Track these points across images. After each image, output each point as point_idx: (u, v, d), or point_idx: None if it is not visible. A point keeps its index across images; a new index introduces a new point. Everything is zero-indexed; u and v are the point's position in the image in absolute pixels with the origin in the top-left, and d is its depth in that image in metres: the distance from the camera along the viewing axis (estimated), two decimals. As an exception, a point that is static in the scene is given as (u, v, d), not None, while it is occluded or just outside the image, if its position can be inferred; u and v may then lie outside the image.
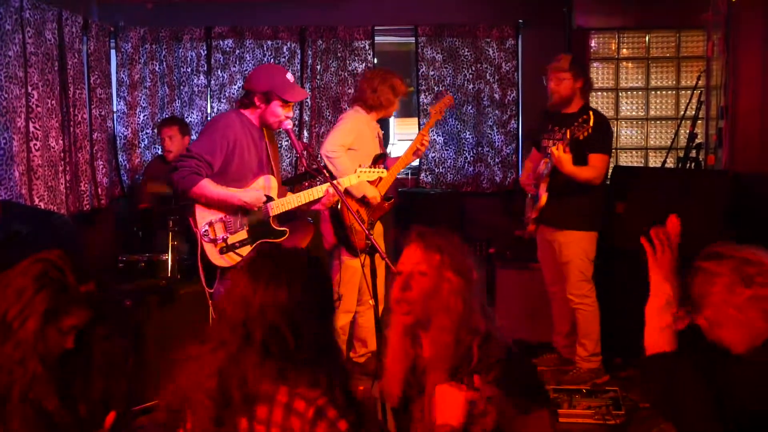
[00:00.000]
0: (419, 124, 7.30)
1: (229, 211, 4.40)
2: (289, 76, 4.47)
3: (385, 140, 5.82)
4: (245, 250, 4.40)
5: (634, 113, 7.42)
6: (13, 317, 2.33)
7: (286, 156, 7.17)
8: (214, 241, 4.36)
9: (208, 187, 4.30)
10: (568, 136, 5.07)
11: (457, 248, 2.49)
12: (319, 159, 5.17)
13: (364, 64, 7.19)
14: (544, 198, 5.30)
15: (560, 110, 5.38)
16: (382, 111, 5.55)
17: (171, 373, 2.19)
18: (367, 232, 4.19)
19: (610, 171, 5.80)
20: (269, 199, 4.51)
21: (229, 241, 4.37)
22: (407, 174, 7.42)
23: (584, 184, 5.19)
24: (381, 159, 5.46)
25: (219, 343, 2.12)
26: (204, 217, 4.37)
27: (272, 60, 7.17)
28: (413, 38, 7.30)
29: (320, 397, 2.04)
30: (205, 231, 4.35)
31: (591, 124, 4.99)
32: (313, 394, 2.04)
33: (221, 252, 4.35)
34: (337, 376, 2.12)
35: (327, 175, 4.55)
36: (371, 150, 5.46)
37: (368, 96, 5.51)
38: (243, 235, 4.42)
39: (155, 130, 7.11)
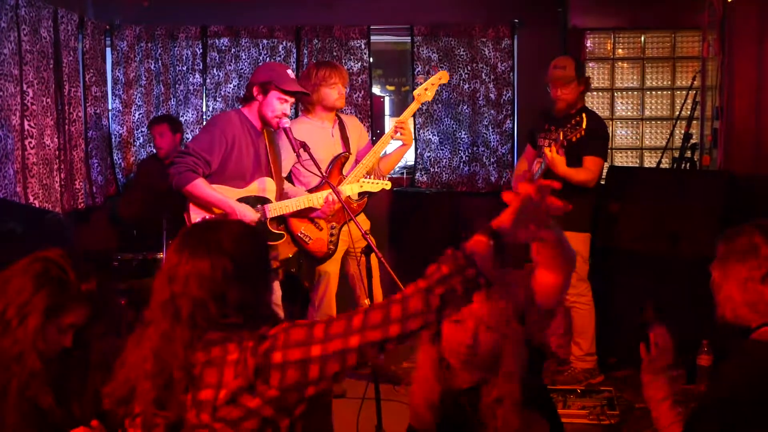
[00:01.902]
0: (414, 124, 7.29)
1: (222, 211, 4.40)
2: (290, 72, 4.50)
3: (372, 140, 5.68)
4: None
5: (629, 113, 7.42)
6: (12, 315, 2.33)
7: (284, 158, 7.15)
8: None
9: (201, 187, 4.29)
10: (561, 138, 5.08)
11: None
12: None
13: (359, 64, 7.18)
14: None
15: (565, 114, 5.37)
16: (322, 103, 5.26)
17: (119, 362, 2.17)
18: (362, 231, 4.19)
19: (605, 171, 5.81)
20: (267, 200, 4.51)
21: None
22: (402, 173, 7.42)
23: (578, 186, 5.21)
24: (339, 159, 5.28)
25: (152, 322, 2.10)
26: (198, 214, 4.37)
27: (268, 59, 7.15)
28: (409, 38, 7.29)
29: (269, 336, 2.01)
30: None
31: (584, 126, 5.00)
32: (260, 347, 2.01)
33: None
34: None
35: (322, 173, 4.55)
36: (327, 154, 5.26)
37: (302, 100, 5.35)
38: None
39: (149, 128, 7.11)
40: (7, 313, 2.33)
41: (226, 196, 4.39)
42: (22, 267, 2.39)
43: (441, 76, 5.41)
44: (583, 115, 5.08)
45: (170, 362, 2.03)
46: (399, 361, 5.84)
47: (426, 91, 5.35)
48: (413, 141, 5.44)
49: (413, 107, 5.42)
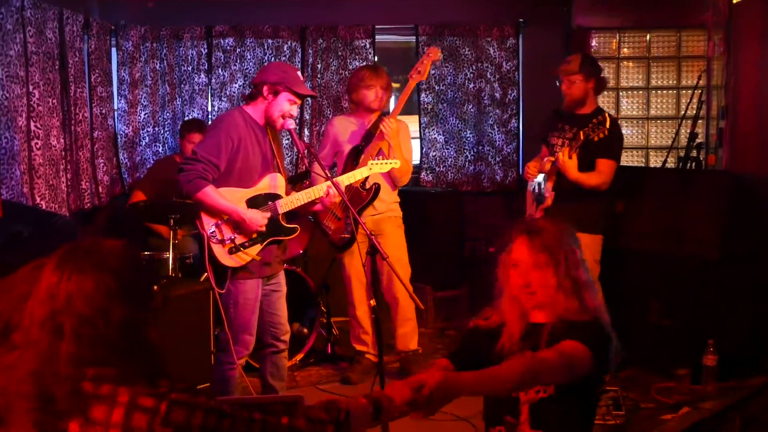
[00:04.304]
0: (420, 123, 7.30)
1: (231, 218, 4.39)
2: (299, 74, 4.53)
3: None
4: (255, 249, 4.39)
5: (634, 113, 7.42)
6: (16, 323, 2.33)
7: (287, 154, 7.18)
8: (222, 242, 4.32)
9: (211, 195, 4.26)
10: (582, 138, 5.01)
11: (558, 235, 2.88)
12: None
13: (364, 63, 7.18)
14: (549, 199, 5.28)
15: (574, 111, 5.34)
16: (362, 104, 5.53)
17: None
18: (367, 230, 4.19)
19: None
20: (277, 196, 4.51)
21: (238, 241, 4.35)
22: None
23: (590, 190, 5.18)
24: (355, 152, 5.47)
25: (28, 344, 2.04)
26: (211, 218, 4.35)
27: (273, 59, 7.17)
28: (414, 37, 7.30)
29: (169, 390, 2.00)
30: (212, 232, 4.32)
31: (607, 125, 4.96)
32: (161, 390, 2.00)
33: (230, 252, 4.33)
34: (164, 367, 2.08)
35: (327, 174, 4.55)
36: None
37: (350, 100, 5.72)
38: (252, 234, 4.40)
39: (156, 128, 7.13)
40: (11, 322, 2.34)
41: (234, 202, 4.36)
42: (24, 274, 2.39)
43: (430, 53, 5.44)
44: (606, 114, 5.05)
45: (51, 382, 1.99)
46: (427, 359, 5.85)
47: (418, 71, 5.40)
48: (396, 139, 5.41)
49: (407, 90, 5.42)
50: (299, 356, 5.81)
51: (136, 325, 2.09)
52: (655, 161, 7.31)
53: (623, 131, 7.27)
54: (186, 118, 7.14)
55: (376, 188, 5.47)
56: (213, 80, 7.24)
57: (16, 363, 2.04)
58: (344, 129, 5.61)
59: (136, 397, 1.98)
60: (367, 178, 5.34)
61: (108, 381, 2.00)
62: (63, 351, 2.00)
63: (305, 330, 5.90)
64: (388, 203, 5.60)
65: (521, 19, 7.25)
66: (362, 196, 5.45)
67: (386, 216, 5.59)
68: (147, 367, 2.05)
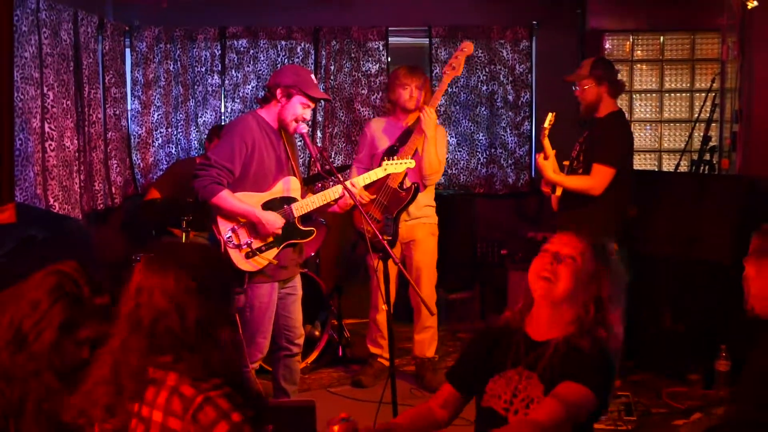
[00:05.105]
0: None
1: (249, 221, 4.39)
2: (313, 77, 4.52)
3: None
4: (272, 253, 4.39)
5: (648, 115, 7.40)
6: (28, 329, 2.34)
7: (299, 156, 7.18)
8: (238, 247, 4.33)
9: (227, 199, 4.27)
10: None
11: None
12: (332, 161, 5.17)
13: (377, 65, 7.19)
14: (554, 203, 5.27)
15: (592, 116, 5.25)
16: (395, 106, 5.54)
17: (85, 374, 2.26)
18: (380, 236, 4.19)
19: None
20: (292, 200, 4.51)
21: (254, 246, 4.35)
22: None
23: (579, 194, 4.97)
24: (390, 152, 5.40)
25: (115, 334, 2.20)
26: (227, 223, 4.35)
27: (286, 60, 7.18)
28: (427, 39, 7.30)
29: (212, 388, 2.08)
30: (228, 237, 4.32)
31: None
32: (204, 385, 2.09)
33: (247, 257, 4.33)
34: (226, 367, 2.16)
35: (340, 177, 4.56)
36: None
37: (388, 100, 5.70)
38: (269, 237, 4.41)
39: (169, 129, 7.16)
40: (23, 328, 2.35)
41: (252, 205, 4.36)
42: (35, 282, 2.40)
43: (464, 47, 5.36)
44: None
45: (123, 369, 2.14)
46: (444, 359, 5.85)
47: (453, 66, 5.34)
48: (432, 130, 5.35)
49: (442, 86, 5.38)
50: (310, 358, 5.82)
51: (209, 324, 2.19)
52: (668, 164, 7.28)
53: (637, 134, 7.29)
54: (200, 119, 7.18)
55: (416, 188, 5.39)
56: (226, 81, 7.26)
57: (103, 350, 2.21)
58: (381, 131, 5.59)
59: (180, 384, 2.09)
60: (405, 177, 5.32)
61: (164, 367, 2.13)
62: (139, 342, 2.14)
63: (317, 332, 5.90)
64: (421, 206, 5.55)
65: (534, 22, 7.24)
66: (401, 196, 5.37)
67: (421, 222, 5.56)
68: (207, 362, 2.15)
